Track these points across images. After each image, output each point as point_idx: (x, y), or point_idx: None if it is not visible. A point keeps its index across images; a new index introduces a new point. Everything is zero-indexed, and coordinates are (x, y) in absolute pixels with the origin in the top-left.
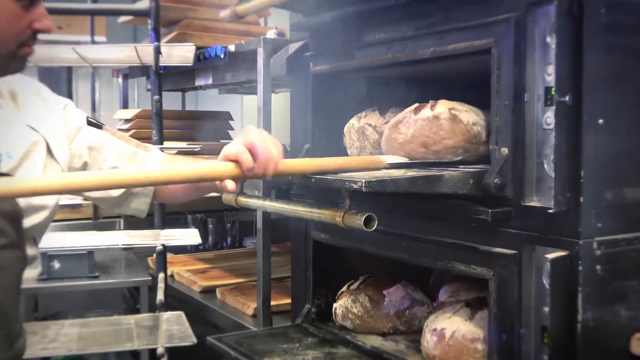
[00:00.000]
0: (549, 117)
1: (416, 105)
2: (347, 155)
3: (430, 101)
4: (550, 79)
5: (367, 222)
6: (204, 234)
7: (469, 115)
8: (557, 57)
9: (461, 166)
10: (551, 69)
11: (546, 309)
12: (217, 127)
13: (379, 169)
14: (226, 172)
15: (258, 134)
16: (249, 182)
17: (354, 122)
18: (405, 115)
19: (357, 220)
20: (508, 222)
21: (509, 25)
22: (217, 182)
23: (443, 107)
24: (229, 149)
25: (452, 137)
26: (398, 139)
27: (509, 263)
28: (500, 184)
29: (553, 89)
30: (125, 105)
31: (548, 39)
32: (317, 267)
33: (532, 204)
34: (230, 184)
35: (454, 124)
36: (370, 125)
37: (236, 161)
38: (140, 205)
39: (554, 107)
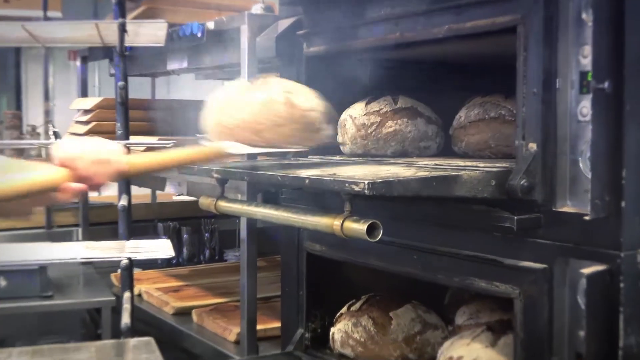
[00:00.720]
0: (585, 106)
1: (244, 83)
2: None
3: (260, 77)
4: (587, 62)
5: (371, 230)
6: (177, 246)
7: (307, 100)
8: (595, 36)
9: (482, 165)
10: (587, 50)
11: (582, 333)
12: (194, 118)
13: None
14: (58, 179)
15: (83, 140)
16: (231, 185)
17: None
18: (234, 96)
19: (359, 229)
20: (537, 231)
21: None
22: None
23: (277, 88)
24: (62, 153)
25: (288, 124)
26: (227, 124)
27: (538, 279)
28: (528, 186)
29: (589, 73)
30: (84, 93)
31: (584, 15)
32: (312, 284)
33: (565, 209)
34: (68, 194)
35: (291, 109)
36: (351, 117)
37: (68, 167)
38: None
39: (590, 95)
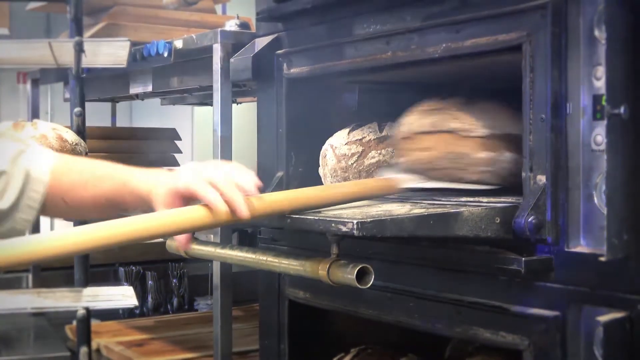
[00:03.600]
0: (599, 134)
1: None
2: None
3: (34, 121)
4: (600, 85)
5: (361, 276)
6: (141, 293)
7: (71, 135)
8: (609, 55)
9: (485, 200)
10: (601, 71)
11: None
12: (160, 149)
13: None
14: (196, 220)
15: (215, 165)
16: None
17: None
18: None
19: (348, 274)
20: (547, 274)
21: (546, 14)
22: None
23: (46, 127)
24: (191, 185)
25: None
26: None
27: (550, 328)
28: (537, 223)
29: (604, 97)
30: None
31: (596, 32)
32: (294, 336)
33: (578, 249)
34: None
35: (62, 143)
36: (331, 146)
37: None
38: (26, 215)
39: (605, 122)
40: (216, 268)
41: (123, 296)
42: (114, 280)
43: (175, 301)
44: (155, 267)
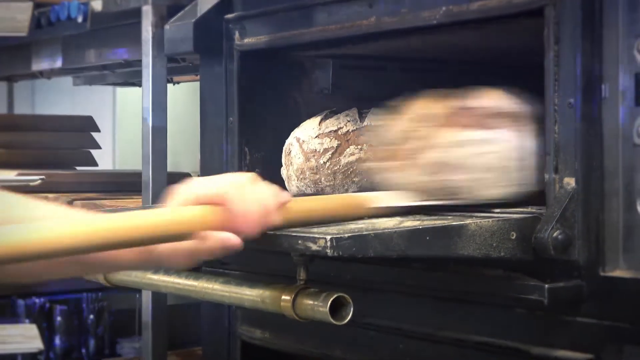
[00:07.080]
0: None
1: None
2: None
3: None
4: None
5: (337, 309)
6: (47, 333)
7: None
8: None
9: (497, 210)
10: None
11: None
12: (72, 143)
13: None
14: (200, 222)
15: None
16: None
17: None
18: None
19: (319, 307)
20: (578, 305)
21: None
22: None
23: None
24: (199, 189)
25: None
26: None
27: None
28: (564, 240)
29: None
30: None
31: None
32: None
33: (617, 273)
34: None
35: None
36: (298, 140)
37: (217, 203)
38: None
39: None
40: (146, 300)
41: (23, 337)
42: (11, 317)
43: (92, 343)
44: (66, 299)
